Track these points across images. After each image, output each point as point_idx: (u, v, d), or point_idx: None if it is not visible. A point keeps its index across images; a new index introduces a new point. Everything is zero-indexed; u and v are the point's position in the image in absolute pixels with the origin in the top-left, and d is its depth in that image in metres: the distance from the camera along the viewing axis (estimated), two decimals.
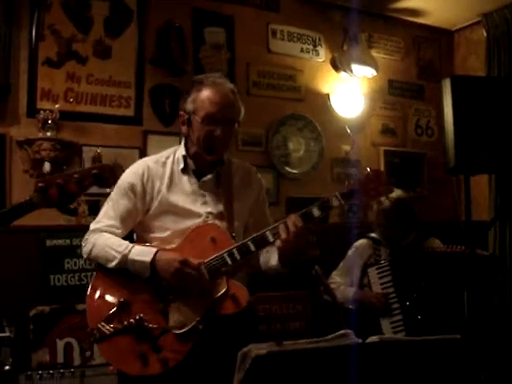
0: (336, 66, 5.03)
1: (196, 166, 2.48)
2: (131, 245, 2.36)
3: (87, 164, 3.95)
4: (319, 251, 4.66)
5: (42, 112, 3.76)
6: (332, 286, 3.80)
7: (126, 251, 2.32)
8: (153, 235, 2.45)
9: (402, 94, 5.48)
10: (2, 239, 3.63)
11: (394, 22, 5.43)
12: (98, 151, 3.97)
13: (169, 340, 2.25)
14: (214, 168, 2.48)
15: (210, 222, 2.42)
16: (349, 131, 5.03)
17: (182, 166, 2.47)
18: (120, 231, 2.44)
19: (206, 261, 2.31)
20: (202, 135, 2.38)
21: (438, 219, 4.90)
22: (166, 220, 2.42)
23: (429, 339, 1.79)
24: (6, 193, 3.71)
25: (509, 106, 3.24)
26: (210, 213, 2.44)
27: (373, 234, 3.91)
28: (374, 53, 5.25)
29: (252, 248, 2.31)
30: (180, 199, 2.43)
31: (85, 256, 2.45)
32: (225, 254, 2.30)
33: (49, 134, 3.76)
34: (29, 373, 3.39)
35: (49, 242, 3.82)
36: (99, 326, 2.25)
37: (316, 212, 2.34)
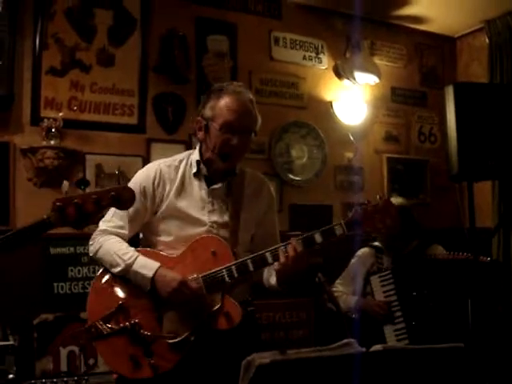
0: (339, 74, 5.03)
1: (208, 172, 2.49)
2: (136, 254, 2.37)
3: (89, 172, 3.97)
4: (322, 259, 4.65)
5: (45, 120, 3.78)
6: (335, 294, 3.80)
7: (130, 261, 2.34)
8: (158, 238, 2.47)
9: (405, 101, 5.48)
10: None
11: (396, 29, 5.44)
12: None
13: (161, 347, 2.28)
14: (226, 177, 2.49)
15: (213, 233, 2.42)
16: (352, 138, 5.03)
17: (194, 170, 2.48)
18: (128, 232, 2.46)
19: (203, 274, 2.33)
20: (219, 143, 2.39)
21: (442, 226, 4.90)
22: (171, 224, 2.44)
23: (432, 347, 1.79)
24: (9, 201, 3.72)
25: (511, 112, 3.24)
26: (214, 222, 2.44)
27: (375, 243, 3.90)
28: (377, 60, 5.26)
29: (250, 267, 2.33)
30: (187, 205, 2.44)
31: (91, 254, 2.48)
32: (224, 270, 2.32)
33: (52, 142, 3.78)
34: (32, 381, 3.39)
35: (53, 250, 3.82)
36: (97, 324, 2.29)
37: (318, 238, 2.33)
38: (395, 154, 5.34)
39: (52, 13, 3.92)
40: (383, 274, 3.65)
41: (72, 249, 3.86)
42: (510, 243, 4.89)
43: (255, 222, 2.54)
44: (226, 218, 2.46)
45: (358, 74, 4.97)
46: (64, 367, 3.63)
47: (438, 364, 1.74)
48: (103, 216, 2.42)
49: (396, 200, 3.83)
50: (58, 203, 1.83)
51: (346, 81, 5.02)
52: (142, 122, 4.22)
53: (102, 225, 2.48)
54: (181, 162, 2.53)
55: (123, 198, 1.90)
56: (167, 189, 2.46)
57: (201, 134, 2.47)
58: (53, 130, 3.77)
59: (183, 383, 2.31)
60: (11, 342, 3.14)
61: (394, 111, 5.39)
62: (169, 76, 4.33)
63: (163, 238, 2.46)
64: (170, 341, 2.28)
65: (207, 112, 2.44)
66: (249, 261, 2.33)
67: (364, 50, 5.15)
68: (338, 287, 3.87)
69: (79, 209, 1.83)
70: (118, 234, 2.45)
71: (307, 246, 2.31)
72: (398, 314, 3.54)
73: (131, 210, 2.39)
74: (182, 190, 2.46)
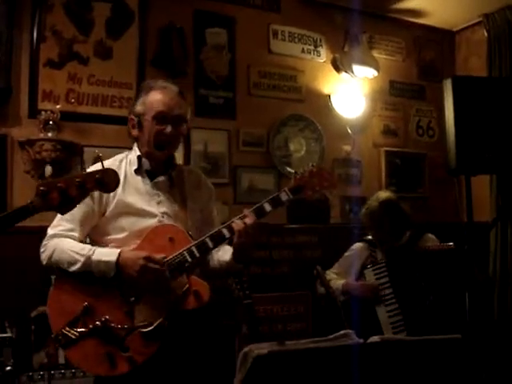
0: (337, 67, 5.03)
1: (151, 166, 2.55)
2: (93, 247, 2.38)
3: (88, 164, 3.96)
4: (320, 252, 4.66)
5: (43, 113, 3.77)
6: (327, 278, 3.82)
7: (90, 253, 2.34)
8: (109, 237, 2.47)
9: (403, 95, 5.48)
10: (4, 240, 3.62)
11: (395, 23, 5.43)
12: (97, 152, 3.95)
13: (136, 340, 2.29)
14: (167, 170, 2.56)
15: (165, 222, 2.47)
16: (350, 132, 5.03)
17: (135, 166, 2.54)
18: (78, 235, 2.46)
19: (166, 259, 2.35)
20: (153, 133, 2.47)
21: (440, 220, 4.90)
22: (123, 221, 2.46)
23: (430, 339, 1.79)
24: (7, 193, 3.71)
25: (510, 107, 3.24)
26: (164, 213, 2.49)
27: (369, 237, 3.91)
28: (375, 53, 5.25)
29: (210, 245, 2.40)
30: (135, 200, 2.48)
31: (44, 262, 2.46)
32: (184, 252, 2.37)
33: (50, 134, 3.77)
34: (30, 373, 3.38)
35: None
36: (64, 331, 2.27)
37: (267, 207, 2.46)
38: (393, 148, 5.33)
39: (50, 5, 3.91)
40: (377, 266, 3.65)
41: None
42: (508, 237, 4.89)
43: (199, 212, 2.62)
44: (174, 208, 2.52)
45: (356, 68, 4.97)
46: (62, 359, 3.63)
47: (435, 355, 1.75)
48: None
49: (383, 194, 3.85)
50: (41, 187, 1.80)
51: (344, 74, 5.01)
52: None
53: (51, 231, 2.49)
54: (121, 161, 2.58)
55: (107, 180, 1.89)
56: None
57: (135, 132, 2.55)
58: (50, 122, 3.76)
59: (161, 370, 2.32)
60: (9, 335, 3.13)
61: (392, 105, 5.38)
62: (167, 69, 4.31)
63: (115, 236, 2.47)
64: (144, 330, 2.28)
65: (138, 108, 2.53)
66: (207, 238, 2.40)
67: (362, 44, 5.14)
68: (331, 274, 3.87)
69: (63, 193, 1.81)
70: (68, 237, 2.44)
71: (259, 216, 2.43)
72: (395, 306, 3.55)
73: (79, 212, 2.42)
74: (126, 187, 2.50)
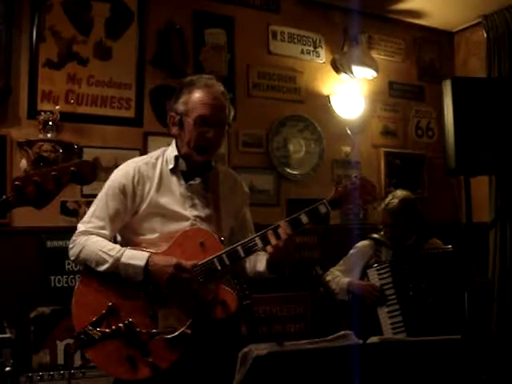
0: (336, 68, 5.03)
1: (187, 167, 2.48)
2: (123, 248, 2.34)
3: None
4: (320, 252, 4.66)
5: (42, 113, 3.76)
6: (328, 277, 3.82)
7: (119, 254, 2.30)
8: (140, 237, 2.43)
9: (403, 96, 5.48)
10: (3, 240, 3.64)
11: (394, 24, 5.44)
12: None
13: (158, 345, 2.24)
14: (203, 172, 2.49)
15: (197, 225, 2.42)
16: (349, 133, 5.02)
17: (171, 166, 2.47)
18: (108, 233, 2.41)
19: (195, 267, 2.30)
20: (194, 136, 2.39)
21: (439, 221, 4.90)
22: (154, 222, 2.41)
23: (429, 340, 1.79)
24: (6, 193, 3.70)
25: (509, 108, 3.24)
26: (197, 216, 2.44)
27: (375, 235, 3.91)
28: (375, 54, 5.25)
29: (241, 253, 2.33)
30: (168, 201, 2.43)
31: (72, 258, 2.43)
32: (214, 259, 2.31)
33: (49, 135, 3.76)
34: (29, 374, 3.38)
35: (49, 244, 3.81)
36: (86, 330, 2.24)
37: (304, 219, 2.38)
38: (393, 149, 5.34)
39: (49, 5, 3.90)
40: (381, 266, 3.65)
41: (69, 242, 3.82)
42: (507, 238, 4.89)
43: (233, 216, 2.56)
44: (207, 211, 2.46)
45: (355, 68, 4.96)
46: (61, 360, 3.63)
47: (434, 356, 1.75)
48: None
49: (402, 193, 3.87)
50: (16, 182, 1.75)
51: (343, 75, 5.01)
52: (139, 115, 4.21)
53: (81, 226, 2.45)
54: (157, 158, 2.52)
55: (83, 173, 1.83)
56: (147, 187, 2.43)
57: (175, 130, 2.47)
58: (50, 123, 3.76)
59: (183, 378, 2.28)
60: (8, 335, 3.13)
61: (391, 105, 5.39)
62: (166, 69, 4.32)
63: (147, 237, 2.42)
64: (168, 336, 2.24)
65: (180, 107, 2.44)
66: (239, 247, 2.33)
67: (362, 44, 5.14)
68: (336, 272, 3.86)
69: (39, 187, 1.76)
70: (98, 235, 2.39)
71: (295, 228, 2.36)
72: (396, 307, 3.55)
73: (111, 209, 2.40)
74: (161, 186, 2.45)
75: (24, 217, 3.64)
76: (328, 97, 4.99)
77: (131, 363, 2.22)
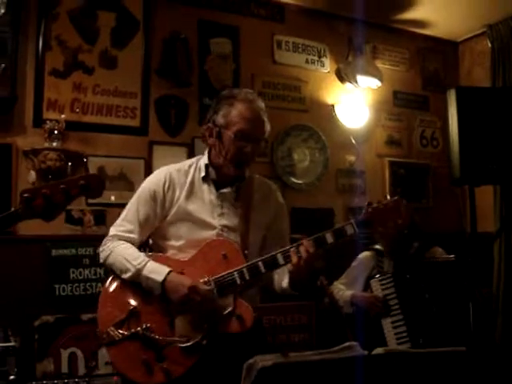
0: (341, 77, 5.03)
1: (217, 176, 2.48)
2: (146, 259, 2.36)
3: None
4: (324, 262, 4.65)
5: (48, 122, 3.78)
6: (334, 290, 3.81)
7: (141, 266, 2.33)
8: (167, 243, 2.46)
9: (407, 105, 5.49)
10: (8, 248, 3.64)
11: (398, 33, 5.45)
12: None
13: (173, 352, 2.27)
14: (234, 182, 2.49)
15: (224, 236, 2.41)
16: (354, 142, 5.03)
17: (203, 174, 2.48)
18: (137, 237, 2.46)
19: (215, 277, 2.31)
20: (233, 150, 2.38)
21: (444, 230, 4.89)
22: (181, 228, 2.43)
23: (434, 351, 1.79)
24: (11, 202, 3.71)
25: None
26: (225, 226, 2.43)
27: (377, 246, 3.91)
28: (379, 64, 5.26)
29: (262, 269, 2.32)
30: (197, 208, 2.44)
31: (101, 261, 2.49)
32: (235, 273, 2.31)
33: (55, 144, 3.77)
34: (33, 383, 3.39)
35: (54, 252, 3.82)
36: (109, 330, 2.28)
37: (329, 238, 2.31)
38: (397, 158, 5.34)
39: (55, 14, 3.93)
40: (384, 277, 3.65)
41: (74, 250, 3.85)
42: None
43: (264, 226, 2.53)
44: (235, 221, 2.45)
45: (360, 78, 4.98)
46: (65, 369, 3.63)
47: (439, 367, 1.74)
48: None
49: None
50: (25, 194, 1.77)
51: (348, 84, 5.02)
52: (145, 124, 4.22)
53: (112, 230, 2.49)
54: (190, 166, 2.53)
55: (92, 186, 1.85)
56: (177, 193, 2.46)
57: (212, 140, 2.46)
58: (55, 131, 3.77)
59: None
60: (12, 344, 3.13)
61: (396, 115, 5.39)
62: (171, 79, 4.33)
63: (173, 243, 2.45)
64: (182, 345, 2.26)
65: (220, 119, 2.42)
66: (260, 262, 2.31)
67: (366, 54, 5.16)
68: (339, 286, 3.86)
69: (48, 200, 1.78)
70: (127, 239, 2.44)
71: (318, 246, 2.29)
72: (400, 317, 3.54)
73: (141, 214, 2.44)
74: (191, 193, 2.46)
75: (29, 225, 3.60)
76: (332, 106, 5.00)
77: (147, 367, 2.25)
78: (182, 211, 2.43)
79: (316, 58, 5.00)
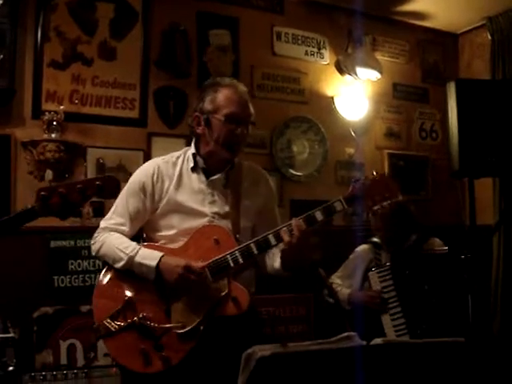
0: (340, 69, 5.02)
1: (206, 164, 2.51)
2: (138, 247, 2.39)
3: (91, 166, 3.97)
4: (322, 254, 4.65)
5: (46, 113, 3.77)
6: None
7: (133, 253, 2.36)
8: (159, 234, 2.49)
9: (407, 97, 5.48)
10: (7, 240, 3.63)
11: (398, 25, 5.43)
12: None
13: (171, 339, 2.29)
14: (223, 169, 2.51)
15: (215, 222, 2.44)
16: (353, 134, 5.02)
17: (191, 164, 2.50)
18: (129, 229, 2.48)
19: (208, 262, 2.33)
20: (224, 133, 2.41)
21: (443, 223, 4.89)
22: (173, 219, 2.46)
23: (432, 342, 1.79)
24: (10, 193, 3.71)
25: None
26: (216, 213, 2.46)
27: (374, 239, 3.90)
28: (379, 56, 5.25)
29: (254, 251, 2.34)
30: (187, 198, 2.46)
31: (93, 253, 2.52)
32: (227, 256, 2.33)
33: (53, 135, 3.77)
34: (32, 374, 3.40)
35: (53, 244, 3.82)
36: (105, 322, 2.30)
37: (319, 216, 2.35)
38: (396, 150, 5.33)
39: (54, 5, 3.91)
40: (381, 269, 3.64)
41: (72, 242, 3.85)
42: (511, 240, 4.88)
43: (255, 211, 2.56)
44: (226, 208, 2.48)
45: (359, 70, 4.96)
46: (64, 360, 3.64)
47: (438, 358, 1.74)
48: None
49: None
50: (42, 193, 1.80)
51: (347, 76, 5.01)
52: (144, 115, 4.21)
53: (103, 223, 2.52)
54: (178, 158, 2.56)
55: (108, 188, 1.88)
56: (166, 184, 2.48)
57: (200, 129, 2.49)
58: (54, 123, 3.77)
59: (193, 373, 2.31)
60: (11, 335, 3.13)
61: (395, 107, 5.38)
62: (170, 70, 4.32)
63: (165, 233, 2.47)
64: (180, 331, 2.28)
65: (207, 106, 2.46)
66: (252, 244, 2.34)
67: (366, 46, 5.14)
68: (336, 280, 3.87)
69: (64, 198, 1.81)
70: (117, 231, 2.47)
71: (309, 225, 2.33)
72: (398, 309, 3.54)
73: (131, 207, 2.47)
74: (180, 184, 2.49)
75: None
76: (332, 98, 4.99)
77: (145, 356, 2.27)
78: (172, 202, 2.46)
79: (316, 49, 4.99)
